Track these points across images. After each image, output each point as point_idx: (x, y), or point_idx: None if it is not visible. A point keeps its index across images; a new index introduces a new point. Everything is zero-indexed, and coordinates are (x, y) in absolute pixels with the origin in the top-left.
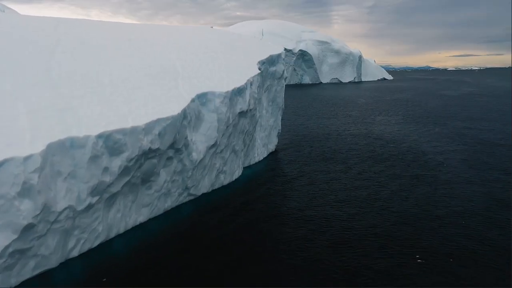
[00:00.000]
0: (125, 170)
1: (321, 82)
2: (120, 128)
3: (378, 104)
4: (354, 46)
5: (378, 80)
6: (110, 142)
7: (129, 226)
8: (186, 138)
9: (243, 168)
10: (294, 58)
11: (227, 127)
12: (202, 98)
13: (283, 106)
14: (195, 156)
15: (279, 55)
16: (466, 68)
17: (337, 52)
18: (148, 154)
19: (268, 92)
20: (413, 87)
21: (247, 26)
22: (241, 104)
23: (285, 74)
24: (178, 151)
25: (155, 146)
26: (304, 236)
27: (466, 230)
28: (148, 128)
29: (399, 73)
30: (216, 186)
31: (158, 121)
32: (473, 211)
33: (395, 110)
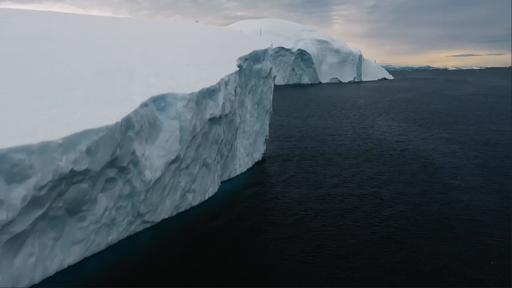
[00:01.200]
0: (34, 202)
1: (320, 82)
2: (22, 144)
3: (378, 105)
4: (354, 46)
5: (379, 80)
6: (6, 165)
7: (51, 272)
8: (133, 153)
9: (221, 182)
10: (293, 58)
11: (194, 136)
12: (159, 102)
13: (271, 109)
14: (149, 175)
15: (265, 51)
16: (467, 68)
17: (336, 52)
18: (71, 177)
19: (252, 94)
20: (414, 87)
21: (245, 25)
22: (213, 109)
23: (274, 73)
24: (123, 170)
25: (80, 167)
26: (292, 269)
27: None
28: (68, 143)
29: (400, 73)
30: (183, 209)
31: (85, 133)
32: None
33: (396, 112)
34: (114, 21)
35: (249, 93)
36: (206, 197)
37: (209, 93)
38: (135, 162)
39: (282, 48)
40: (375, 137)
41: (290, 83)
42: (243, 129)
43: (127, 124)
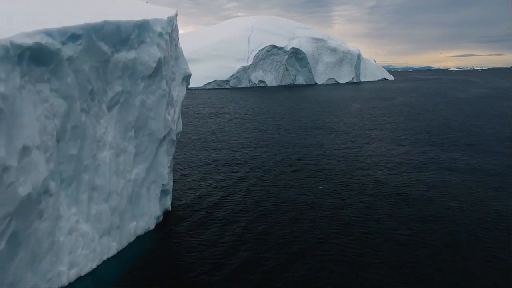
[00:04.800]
0: None
1: (316, 83)
2: None
3: (376, 111)
4: (354, 46)
5: (379, 80)
6: None
7: None
8: None
9: None
10: (286, 57)
11: None
12: None
13: (174, 135)
14: None
15: (142, 25)
16: (468, 68)
17: (333, 50)
18: None
19: (119, 110)
20: (416, 88)
21: (237, 23)
22: None
23: (178, 69)
24: None
25: None
26: None
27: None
28: None
29: (401, 73)
30: None
31: None
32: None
33: (397, 122)
34: None
35: (109, 109)
36: None
37: None
38: None
39: (275, 47)
40: (366, 169)
41: (283, 84)
42: (88, 183)
43: None
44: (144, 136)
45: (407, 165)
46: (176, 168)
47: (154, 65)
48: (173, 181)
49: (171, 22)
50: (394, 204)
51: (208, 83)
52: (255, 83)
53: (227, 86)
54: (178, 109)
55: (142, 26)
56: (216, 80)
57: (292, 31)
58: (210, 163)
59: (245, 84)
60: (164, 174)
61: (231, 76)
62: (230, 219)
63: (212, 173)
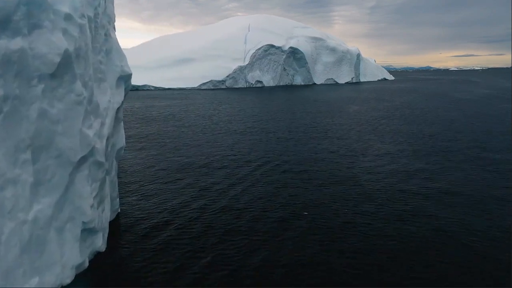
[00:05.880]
0: None
1: (315, 83)
2: None
3: (375, 112)
4: (354, 46)
5: (379, 80)
6: None
7: None
8: None
9: None
10: (284, 56)
11: None
12: None
13: (101, 155)
14: None
15: (34, 2)
16: (468, 68)
17: (332, 50)
18: None
19: (3, 123)
20: (417, 89)
21: (234, 22)
22: None
23: (117, 67)
24: None
25: None
26: None
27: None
28: None
29: (401, 74)
30: None
31: None
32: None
33: (398, 124)
34: None
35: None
36: None
37: None
38: None
39: (272, 46)
40: (362, 183)
41: (281, 84)
42: None
43: None
44: (49, 159)
45: (408, 179)
46: (134, 182)
47: (58, 59)
48: (124, 203)
49: (94, 2)
50: (394, 230)
51: (204, 83)
52: (252, 83)
53: (223, 87)
54: (109, 120)
55: (34, 3)
56: (211, 80)
57: (290, 30)
58: (177, 177)
59: (241, 84)
60: (85, 207)
61: (227, 76)
62: (180, 255)
63: (177, 191)
